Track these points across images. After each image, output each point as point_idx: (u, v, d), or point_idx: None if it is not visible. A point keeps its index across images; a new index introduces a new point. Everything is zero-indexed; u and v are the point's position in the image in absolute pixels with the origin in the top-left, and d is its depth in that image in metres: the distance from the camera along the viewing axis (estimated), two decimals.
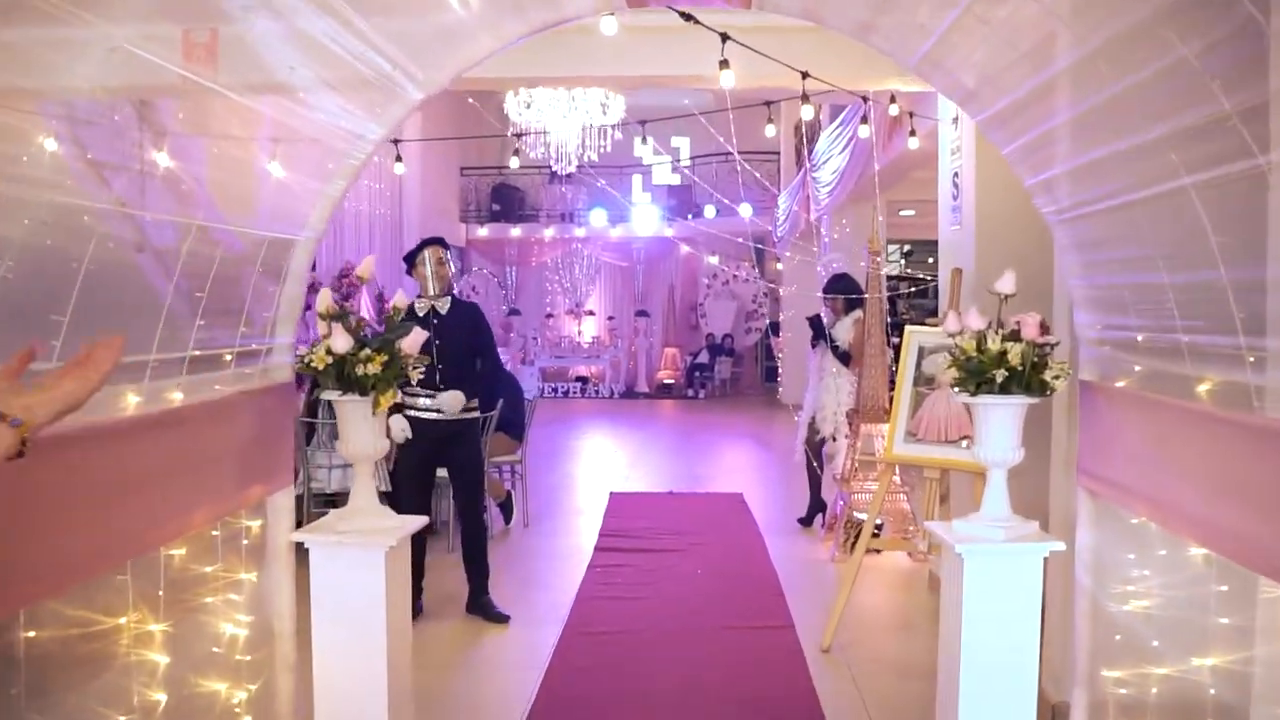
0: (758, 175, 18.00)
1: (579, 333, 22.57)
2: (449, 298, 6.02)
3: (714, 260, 21.80)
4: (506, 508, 8.53)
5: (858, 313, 8.02)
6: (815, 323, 8.32)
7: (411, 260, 6.08)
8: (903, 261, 22.69)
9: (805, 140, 16.56)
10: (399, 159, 9.40)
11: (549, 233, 22.29)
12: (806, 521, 8.49)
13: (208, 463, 2.94)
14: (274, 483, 3.40)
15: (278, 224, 3.27)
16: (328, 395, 3.41)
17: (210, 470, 2.96)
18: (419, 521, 3.70)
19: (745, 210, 20.43)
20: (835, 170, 11.45)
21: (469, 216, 22.50)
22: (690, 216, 21.63)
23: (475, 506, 6.16)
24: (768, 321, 21.25)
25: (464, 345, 5.98)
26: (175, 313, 2.78)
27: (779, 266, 21.03)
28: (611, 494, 9.98)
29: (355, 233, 16.30)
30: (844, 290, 8.18)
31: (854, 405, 7.82)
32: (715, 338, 21.02)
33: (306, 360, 3.32)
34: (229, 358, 3.10)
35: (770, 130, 7.25)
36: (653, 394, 21.09)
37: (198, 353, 2.87)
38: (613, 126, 16.16)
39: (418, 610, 5.92)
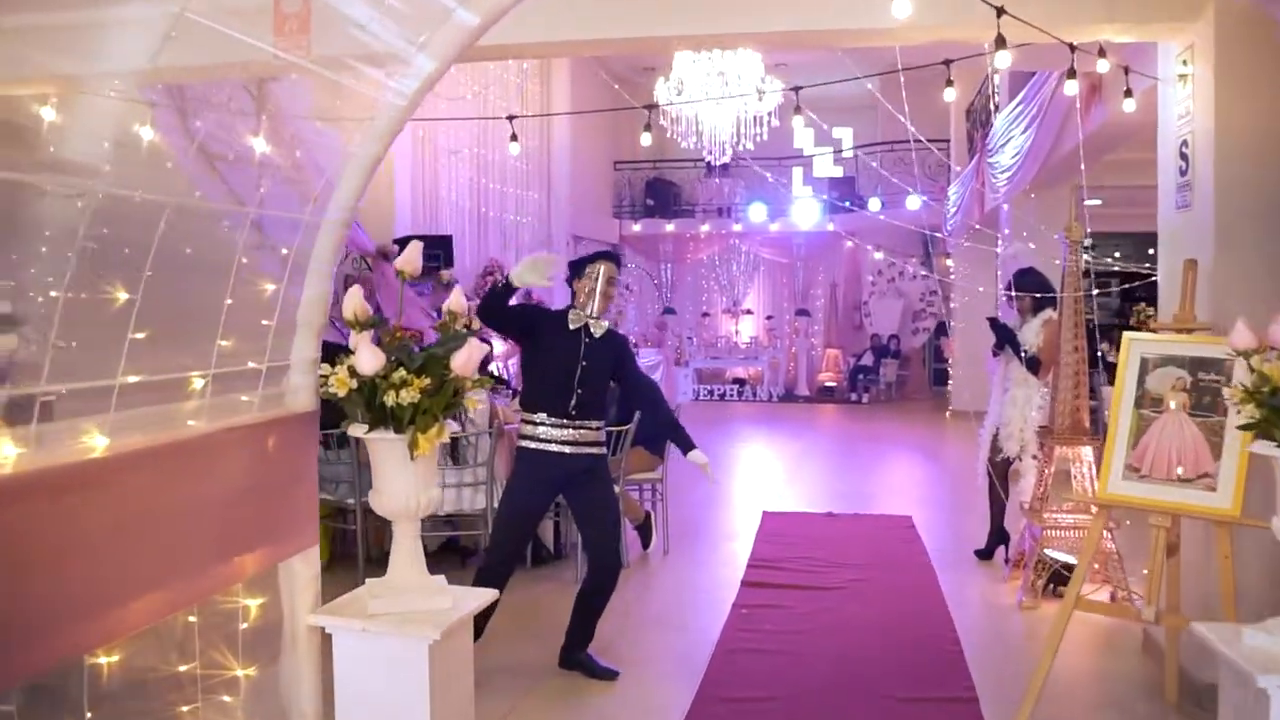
0: (939, 154, 16.71)
1: (736, 333, 21.61)
2: (606, 323, 5.11)
3: (879, 256, 20.61)
4: (644, 531, 7.65)
5: (1048, 312, 6.88)
6: (997, 326, 7.18)
7: (580, 269, 5.16)
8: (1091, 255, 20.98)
9: (978, 125, 15.25)
10: (514, 138, 8.54)
11: (705, 228, 21.38)
12: (986, 554, 7.36)
13: (170, 521, 2.11)
14: (286, 545, 2.56)
15: (276, 201, 2.42)
16: (355, 431, 2.56)
17: (174, 533, 2.13)
18: (484, 598, 2.83)
19: (913, 202, 19.25)
20: (1016, 152, 10.22)
21: (622, 212, 21.78)
22: (853, 208, 20.39)
23: (614, 553, 5.16)
24: (937, 321, 19.94)
25: (607, 376, 5.11)
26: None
27: (949, 262, 19.71)
28: (764, 514, 9.00)
29: (500, 230, 15.65)
30: (1032, 287, 7.03)
31: (1045, 421, 6.69)
32: (880, 338, 19.78)
33: (325, 384, 2.47)
34: (200, 384, 2.26)
35: (950, 94, 6.15)
36: (813, 398, 19.97)
37: (137, 379, 2.03)
38: (769, 113, 15.13)
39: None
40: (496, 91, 15.48)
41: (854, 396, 19.40)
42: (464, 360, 2.62)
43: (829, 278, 21.49)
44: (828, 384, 20.36)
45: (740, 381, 20.38)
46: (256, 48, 2.67)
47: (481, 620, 4.83)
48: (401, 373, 2.48)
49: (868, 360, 19.73)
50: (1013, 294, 7.06)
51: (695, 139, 15.20)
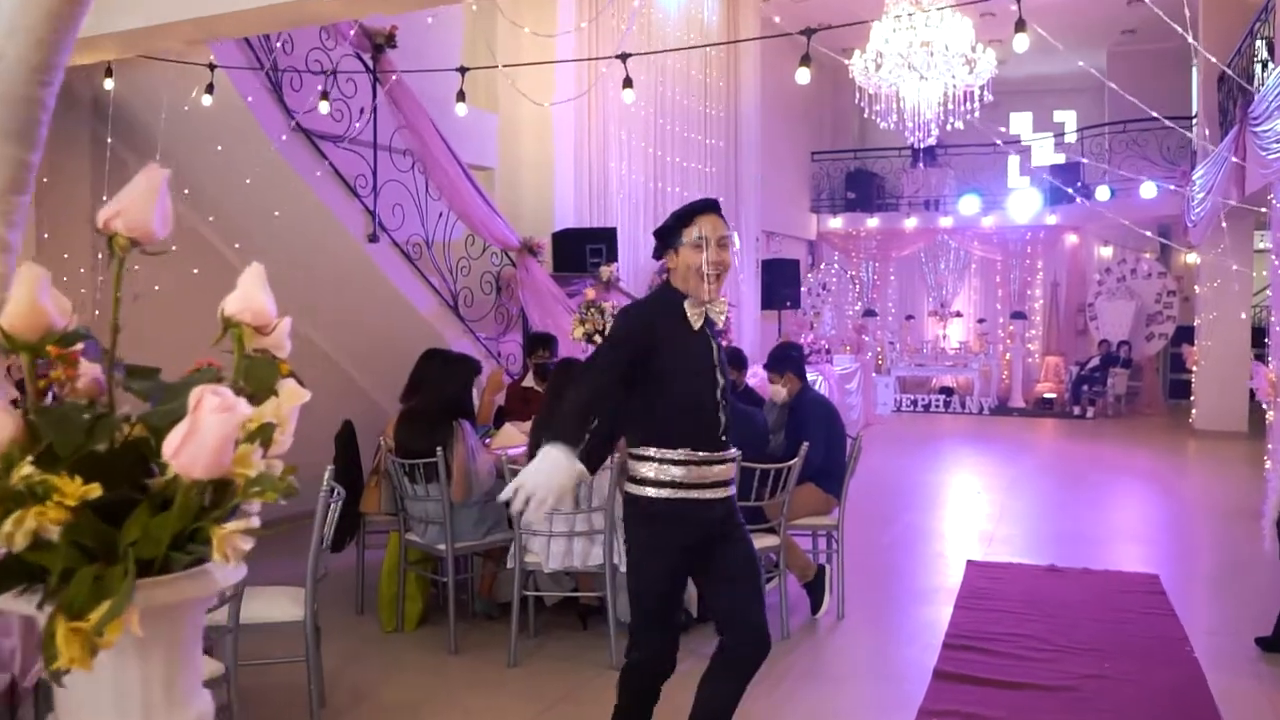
0: (1182, 132, 14.53)
1: (943, 337, 19.67)
2: (724, 302, 3.57)
3: (1108, 251, 18.36)
4: (815, 591, 6.10)
5: None
6: None
7: (675, 234, 3.46)
8: None
9: (1235, 94, 12.99)
10: (628, 84, 6.99)
11: (910, 223, 19.55)
12: (1273, 645, 5.51)
13: None
14: None
15: None
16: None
17: None
18: None
19: (1148, 189, 16.98)
20: None
21: (820, 206, 20.19)
22: (1078, 199, 18.18)
23: (760, 626, 3.51)
24: (1176, 325, 17.55)
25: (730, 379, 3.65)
26: None
27: (1189, 259, 17.31)
28: (969, 565, 7.33)
29: None
30: None
31: None
32: (1110, 345, 17.49)
33: None
34: None
35: None
36: (1029, 411, 17.85)
37: None
38: (981, 88, 13.26)
39: None
40: (676, 86, 14.09)
41: (1076, 410, 17.20)
42: (204, 441, 1.17)
43: (1049, 276, 19.32)
44: (1046, 396, 18.21)
45: (947, 391, 18.44)
46: None
47: None
48: (28, 469, 1.08)
49: (1093, 369, 17.48)
50: None
51: (895, 118, 13.44)
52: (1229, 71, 12.25)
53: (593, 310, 6.11)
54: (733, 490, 3.53)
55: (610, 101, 12.31)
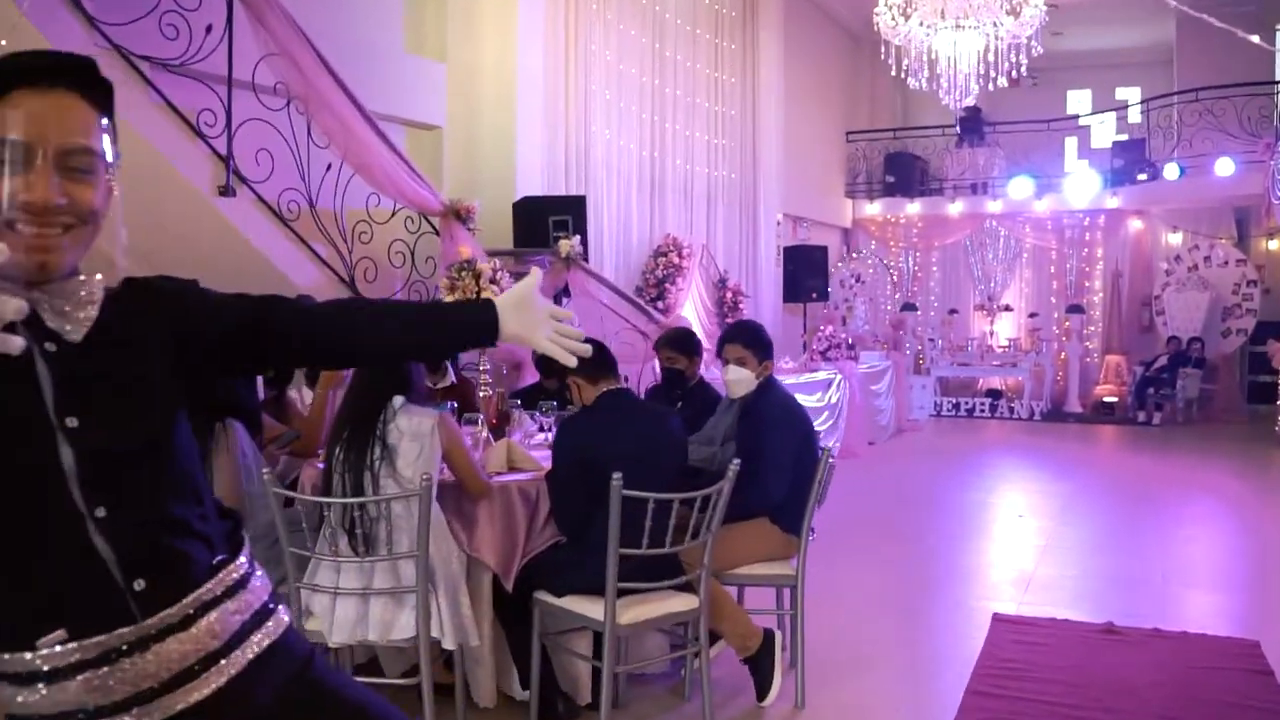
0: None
1: (991, 334, 17.64)
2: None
3: (1177, 237, 16.28)
4: (761, 667, 4.22)
5: None
6: None
7: None
8: None
9: None
10: None
11: (955, 208, 17.61)
12: None
13: None
14: None
15: None
16: None
17: None
18: None
19: (1224, 165, 14.91)
20: None
21: (856, 190, 18.34)
22: (1144, 178, 16.15)
23: None
24: (1255, 321, 15.45)
25: None
26: None
27: (1271, 245, 15.26)
28: (995, 620, 5.48)
29: (686, 198, 12.50)
30: None
31: None
32: (1180, 342, 15.41)
33: None
34: None
35: None
36: (1087, 416, 15.80)
37: None
38: (1028, 39, 11.34)
39: None
40: (680, 47, 12.35)
41: (1141, 416, 15.14)
42: None
43: (1110, 266, 17.22)
44: (1106, 399, 16.14)
45: (995, 394, 16.43)
46: None
47: None
48: None
49: (1160, 370, 15.41)
50: None
51: (926, 75, 11.57)
52: None
53: (465, 273, 4.38)
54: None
55: (593, 57, 10.61)
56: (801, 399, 10.04)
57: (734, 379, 4.47)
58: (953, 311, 17.94)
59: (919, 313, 17.62)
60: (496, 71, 9.35)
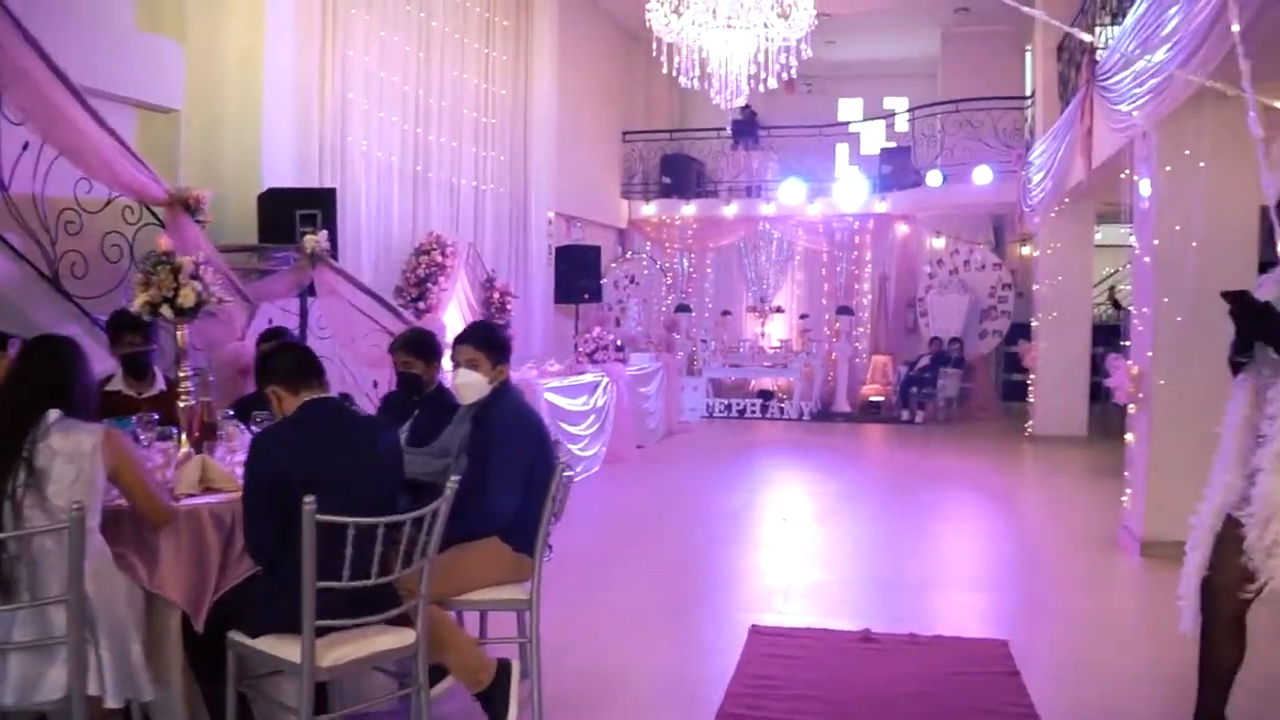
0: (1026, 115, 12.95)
1: (763, 335, 17.78)
2: None
3: (940, 242, 16.79)
4: (495, 701, 3.85)
5: None
6: (1249, 307, 3.36)
7: None
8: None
9: (1076, 60, 11.36)
10: None
11: (730, 210, 17.66)
12: None
13: None
14: None
15: None
16: None
17: None
18: None
19: (983, 174, 15.43)
20: (1173, 43, 6.40)
21: (633, 191, 18.17)
22: (908, 185, 16.62)
23: None
24: (1010, 322, 16.07)
25: None
26: None
27: (1024, 250, 15.88)
28: (753, 633, 5.28)
29: (452, 197, 12.02)
30: None
31: None
32: (941, 343, 15.87)
33: None
34: None
35: None
36: (855, 415, 16.09)
37: None
38: (799, 41, 11.35)
39: None
40: (448, 20, 11.91)
41: (905, 415, 15.52)
42: None
43: (878, 269, 17.64)
44: (873, 399, 16.50)
45: (766, 395, 16.56)
46: None
47: None
48: None
49: (923, 370, 15.84)
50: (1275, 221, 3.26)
51: (698, 75, 11.43)
52: (1071, 30, 10.58)
53: (162, 268, 3.83)
54: None
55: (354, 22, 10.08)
56: (566, 403, 9.80)
57: (464, 383, 4.07)
58: (726, 313, 18.02)
59: (693, 314, 17.60)
60: (243, 56, 8.70)
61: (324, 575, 3.02)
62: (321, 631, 3.11)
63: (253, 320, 6.98)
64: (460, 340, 4.16)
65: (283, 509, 3.09)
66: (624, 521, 8.39)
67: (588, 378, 10.34)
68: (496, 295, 12.04)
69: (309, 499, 2.94)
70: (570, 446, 9.59)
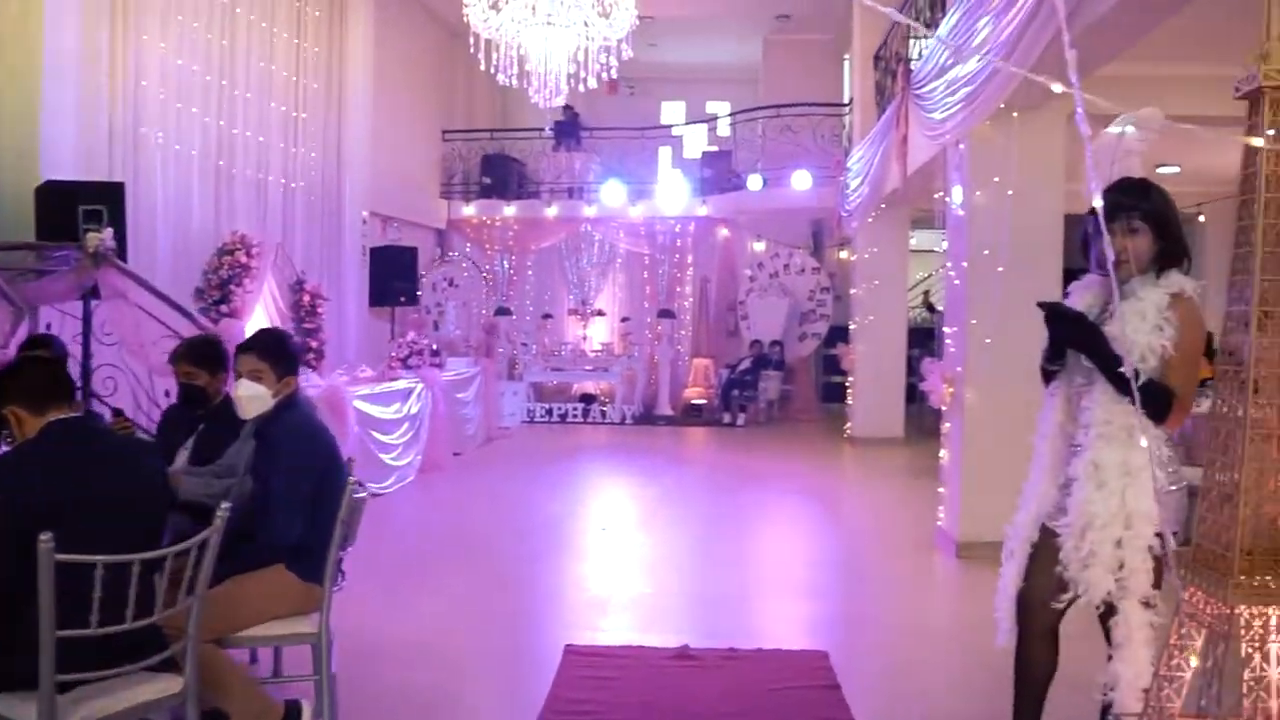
0: (844, 121, 13.09)
1: (584, 338, 17.59)
2: None
3: (760, 245, 16.90)
4: None
5: (1179, 280, 3.07)
6: (1058, 314, 3.25)
7: None
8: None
9: (893, 68, 11.52)
10: None
11: (551, 211, 17.37)
12: None
13: None
14: None
15: None
16: None
17: None
18: None
19: (802, 179, 15.60)
20: (985, 54, 6.43)
21: (453, 191, 17.72)
22: (729, 188, 16.71)
23: None
24: (829, 325, 16.28)
25: None
26: None
27: (842, 254, 16.10)
28: (567, 651, 5.02)
29: (259, 194, 11.43)
30: (1155, 222, 3.13)
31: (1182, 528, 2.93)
32: (762, 345, 15.97)
33: None
34: None
35: None
36: (677, 419, 16.05)
37: None
38: (619, 41, 11.19)
39: None
40: (254, 8, 11.33)
41: (726, 418, 15.56)
42: None
43: (699, 272, 17.63)
44: (695, 401, 16.49)
45: (588, 399, 16.36)
46: None
47: None
48: None
49: (744, 373, 15.89)
50: (1104, 227, 3.15)
51: (515, 72, 11.15)
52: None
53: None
54: None
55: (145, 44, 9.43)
56: (377, 411, 9.36)
57: (245, 395, 3.69)
58: (547, 316, 17.75)
59: (513, 317, 17.28)
60: (17, 33, 8.04)
61: (71, 620, 2.62)
62: (67, 686, 2.70)
63: (23, 326, 6.37)
64: (243, 349, 3.78)
65: (22, 547, 2.65)
66: (437, 535, 8.03)
67: (401, 384, 9.91)
68: (307, 298, 11.52)
69: (45, 536, 2.54)
70: (382, 456, 9.18)
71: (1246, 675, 2.64)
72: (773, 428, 15.23)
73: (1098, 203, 2.84)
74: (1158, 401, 2.96)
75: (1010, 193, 6.70)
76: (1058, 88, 2.74)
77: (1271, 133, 2.57)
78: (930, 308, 17.46)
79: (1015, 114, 6.63)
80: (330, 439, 3.83)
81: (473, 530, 8.17)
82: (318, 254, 12.64)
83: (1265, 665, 2.61)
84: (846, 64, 16.40)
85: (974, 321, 7.19)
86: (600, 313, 17.87)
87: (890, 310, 13.60)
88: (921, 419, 13.95)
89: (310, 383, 9.00)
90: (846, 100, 15.64)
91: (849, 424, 13.69)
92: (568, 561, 7.27)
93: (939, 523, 7.62)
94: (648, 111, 20.00)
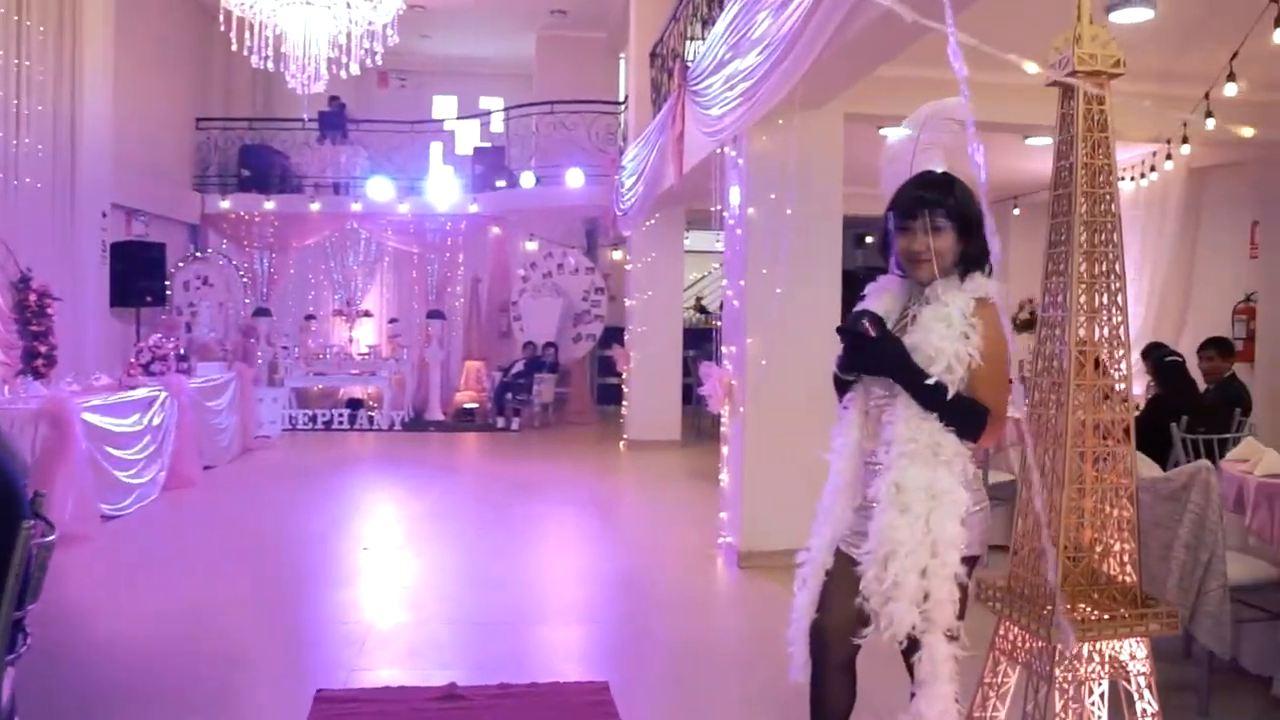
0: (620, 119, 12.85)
1: (350, 340, 16.78)
2: None
3: (533, 245, 16.52)
4: None
5: (984, 283, 2.82)
6: (861, 351, 2.96)
7: None
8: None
9: (669, 66, 11.32)
10: None
11: (315, 207, 16.48)
12: None
13: None
14: None
15: None
16: None
17: None
18: None
19: (575, 177, 15.29)
20: (764, 46, 6.22)
21: (208, 184, 16.60)
22: (503, 185, 16.27)
23: None
24: (603, 326, 16.05)
25: None
26: None
27: (617, 255, 15.92)
28: (318, 698, 4.48)
29: None
30: (958, 219, 2.88)
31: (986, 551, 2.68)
32: (535, 347, 15.58)
33: None
34: None
35: None
36: (449, 424, 15.48)
37: None
38: (385, 27, 10.58)
39: None
40: None
41: (500, 422, 15.10)
42: None
43: (470, 272, 17.08)
44: (467, 406, 15.96)
45: (355, 404, 15.58)
46: None
47: None
48: None
49: (517, 375, 15.46)
50: (904, 226, 2.87)
51: (270, 54, 10.41)
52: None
53: None
54: None
55: None
56: (112, 424, 8.44)
57: None
58: (310, 317, 16.84)
59: (274, 318, 16.31)
60: None
61: None
62: None
63: None
64: None
65: None
66: (174, 563, 7.22)
67: (141, 393, 9.02)
68: (33, 297, 10.42)
69: None
70: (119, 474, 8.31)
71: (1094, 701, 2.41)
72: (548, 432, 14.86)
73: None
74: (969, 418, 2.70)
75: (789, 194, 6.50)
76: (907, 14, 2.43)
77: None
78: (703, 310, 17.47)
79: (795, 113, 6.42)
80: (9, 474, 3.18)
81: (216, 555, 7.43)
82: (48, 250, 11.46)
83: (1084, 706, 2.38)
84: (622, 61, 16.23)
85: (750, 340, 7.04)
86: (367, 313, 17.09)
87: (665, 312, 13.43)
88: (699, 420, 13.86)
89: (30, 393, 8.07)
90: (622, 98, 15.44)
91: (625, 430, 13.42)
92: (324, 589, 6.62)
93: (721, 533, 7.42)
94: (419, 105, 19.38)
